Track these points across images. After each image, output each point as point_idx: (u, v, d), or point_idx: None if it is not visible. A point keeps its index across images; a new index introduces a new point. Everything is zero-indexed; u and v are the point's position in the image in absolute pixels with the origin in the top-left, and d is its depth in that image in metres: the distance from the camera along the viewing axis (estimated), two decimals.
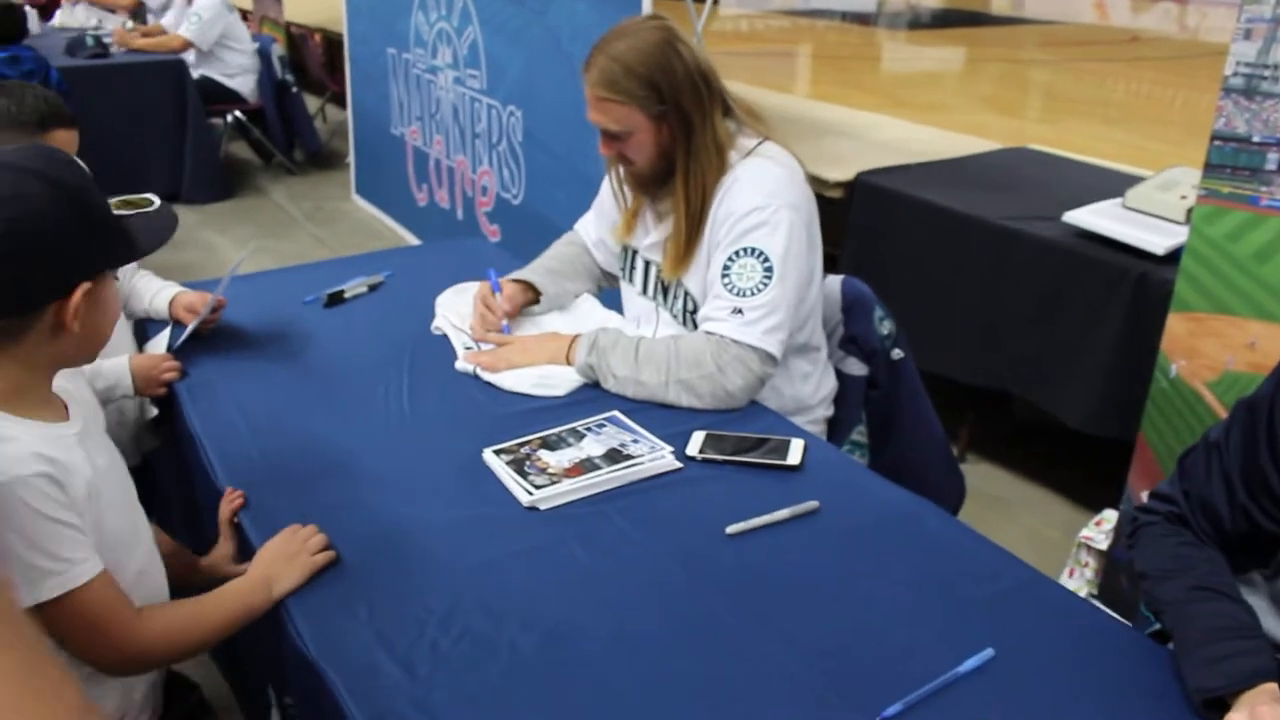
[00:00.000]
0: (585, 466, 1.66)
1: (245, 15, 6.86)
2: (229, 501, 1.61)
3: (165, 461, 2.15)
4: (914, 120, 4.96)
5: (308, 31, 7.54)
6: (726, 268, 1.90)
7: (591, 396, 1.92)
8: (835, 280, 2.18)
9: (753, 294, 1.88)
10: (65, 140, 1.98)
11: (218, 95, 6.23)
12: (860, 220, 3.61)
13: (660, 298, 2.11)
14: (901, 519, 1.59)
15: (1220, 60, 2.15)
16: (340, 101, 6.50)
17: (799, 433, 1.83)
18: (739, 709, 1.22)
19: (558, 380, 1.95)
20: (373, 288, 2.43)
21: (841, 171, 3.65)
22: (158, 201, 1.53)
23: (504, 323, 2.11)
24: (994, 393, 3.31)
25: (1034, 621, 1.36)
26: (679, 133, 1.91)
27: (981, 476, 3.35)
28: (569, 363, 1.97)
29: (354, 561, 1.46)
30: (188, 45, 6.10)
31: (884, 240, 3.55)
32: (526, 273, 2.25)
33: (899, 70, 11.72)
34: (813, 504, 1.59)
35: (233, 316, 2.20)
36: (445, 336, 2.15)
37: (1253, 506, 1.34)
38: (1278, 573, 1.36)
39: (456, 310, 2.21)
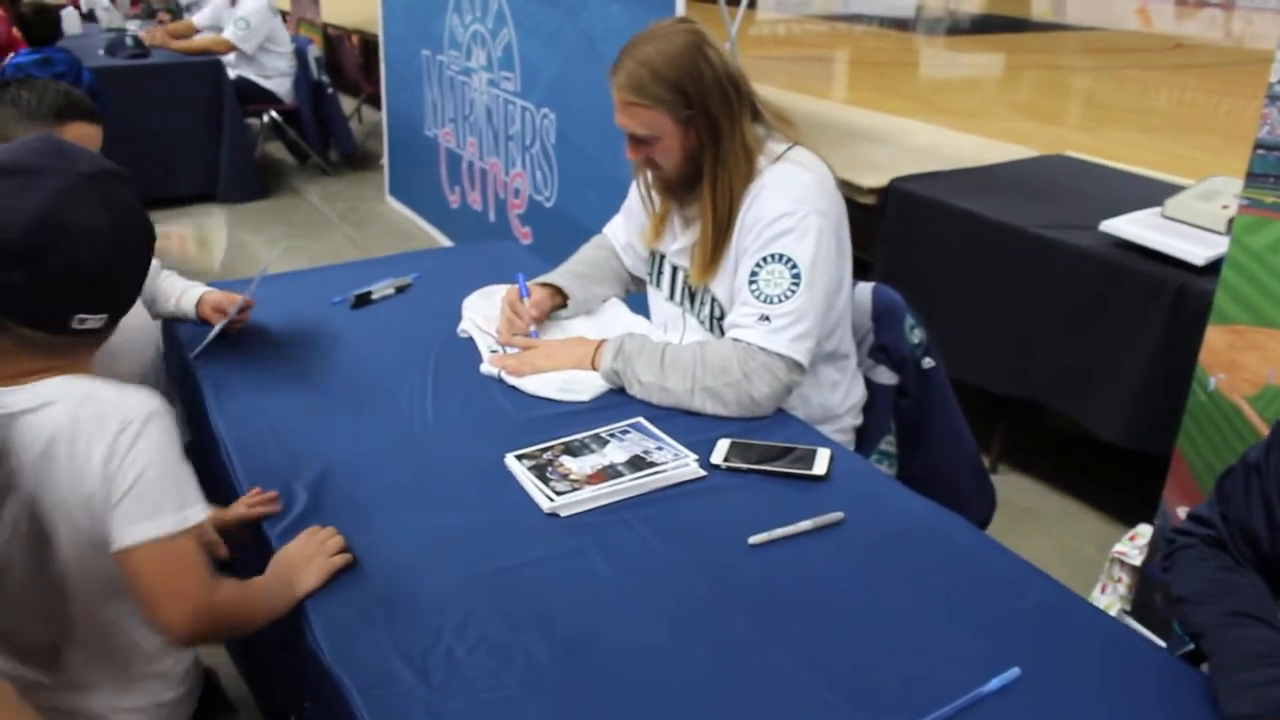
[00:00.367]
0: (608, 473, 1.64)
1: (284, 16, 6.91)
2: (264, 504, 1.59)
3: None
4: (950, 127, 4.92)
5: (344, 33, 7.58)
6: (754, 274, 1.88)
7: (616, 402, 1.91)
8: (865, 288, 2.16)
9: (780, 301, 1.85)
10: (85, 134, 1.99)
11: (254, 95, 6.28)
12: (893, 227, 3.58)
13: (687, 303, 2.09)
14: (927, 532, 1.56)
15: (1265, 67, 2.10)
16: (375, 103, 6.53)
17: (825, 442, 1.80)
18: None
19: (582, 385, 1.93)
20: (400, 289, 2.42)
21: (875, 178, 3.62)
22: None
23: (532, 328, 2.10)
24: (1027, 403, 3.26)
25: (1062, 640, 1.33)
26: (706, 137, 1.88)
27: (1013, 488, 3.30)
28: (594, 368, 1.96)
29: (372, 566, 1.45)
30: (232, 48, 6.15)
31: (917, 248, 3.51)
32: (554, 276, 2.23)
33: (936, 76, 11.64)
34: (837, 515, 1.57)
35: (260, 316, 2.21)
36: (471, 339, 2.15)
37: None
38: None
39: (483, 313, 2.20)
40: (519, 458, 1.69)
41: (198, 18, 6.57)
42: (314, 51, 6.57)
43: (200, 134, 5.95)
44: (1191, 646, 1.49)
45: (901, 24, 15.74)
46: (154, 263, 2.24)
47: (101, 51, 5.91)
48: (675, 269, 2.11)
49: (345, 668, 1.26)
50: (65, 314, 1.28)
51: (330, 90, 6.56)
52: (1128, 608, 2.43)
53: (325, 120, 6.64)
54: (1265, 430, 1.38)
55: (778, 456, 1.72)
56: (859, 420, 2.14)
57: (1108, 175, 3.88)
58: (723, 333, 1.97)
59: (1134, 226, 2.92)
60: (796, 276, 1.85)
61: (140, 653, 1.42)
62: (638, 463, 1.67)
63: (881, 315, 2.14)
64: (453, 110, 5.04)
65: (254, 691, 1.99)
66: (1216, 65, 12.22)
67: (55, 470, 1.26)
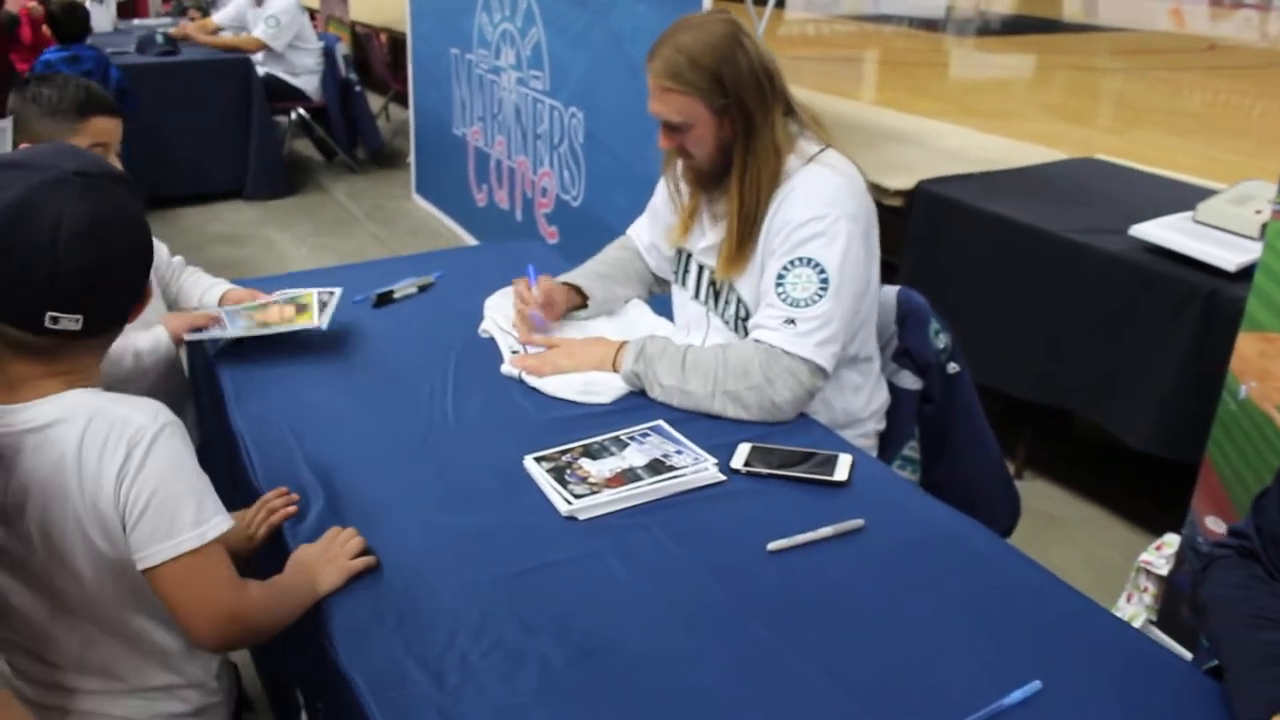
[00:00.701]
0: (627, 477, 1.63)
1: (312, 14, 6.94)
2: (283, 505, 1.59)
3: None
4: (980, 128, 4.88)
5: (372, 31, 7.61)
6: (781, 277, 1.86)
7: (637, 404, 1.89)
8: (890, 291, 2.13)
9: (807, 305, 1.84)
10: (106, 127, 2.00)
11: (282, 93, 6.31)
12: (920, 230, 3.55)
13: (712, 302, 2.08)
14: (949, 540, 1.54)
15: None
16: (403, 101, 6.55)
17: (847, 448, 1.78)
18: None
19: (603, 387, 1.92)
20: (423, 288, 2.42)
21: (903, 180, 3.59)
22: None
23: (537, 312, 2.09)
24: (1054, 409, 3.23)
25: (1084, 652, 1.31)
26: (740, 128, 1.88)
27: (1038, 495, 3.27)
28: (615, 369, 1.95)
29: (388, 567, 1.45)
30: (262, 47, 6.19)
31: (944, 251, 3.48)
32: (575, 276, 2.23)
33: (966, 77, 11.56)
34: (858, 522, 1.55)
35: None
36: (492, 339, 2.14)
37: None
38: None
39: (505, 313, 2.19)
40: (538, 460, 1.68)
41: (219, 16, 6.61)
42: (342, 49, 6.60)
43: (229, 131, 5.98)
44: (1218, 661, 1.47)
45: (931, 24, 15.64)
46: (177, 259, 2.26)
47: (132, 49, 5.95)
48: (701, 267, 2.10)
49: (358, 669, 1.26)
50: (35, 310, 1.23)
51: (358, 88, 6.59)
52: (1153, 618, 2.40)
53: (352, 118, 6.66)
54: None
55: (799, 462, 1.71)
56: (882, 425, 2.12)
57: (1139, 178, 3.83)
58: (747, 333, 1.96)
59: (1164, 231, 2.88)
60: (824, 281, 1.84)
61: (170, 661, 1.42)
62: (657, 466, 1.66)
63: (906, 319, 2.12)
64: (481, 109, 5.05)
65: (268, 688, 1.99)
66: (1252, 67, 12.09)
67: (67, 490, 1.25)
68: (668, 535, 1.53)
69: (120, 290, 1.32)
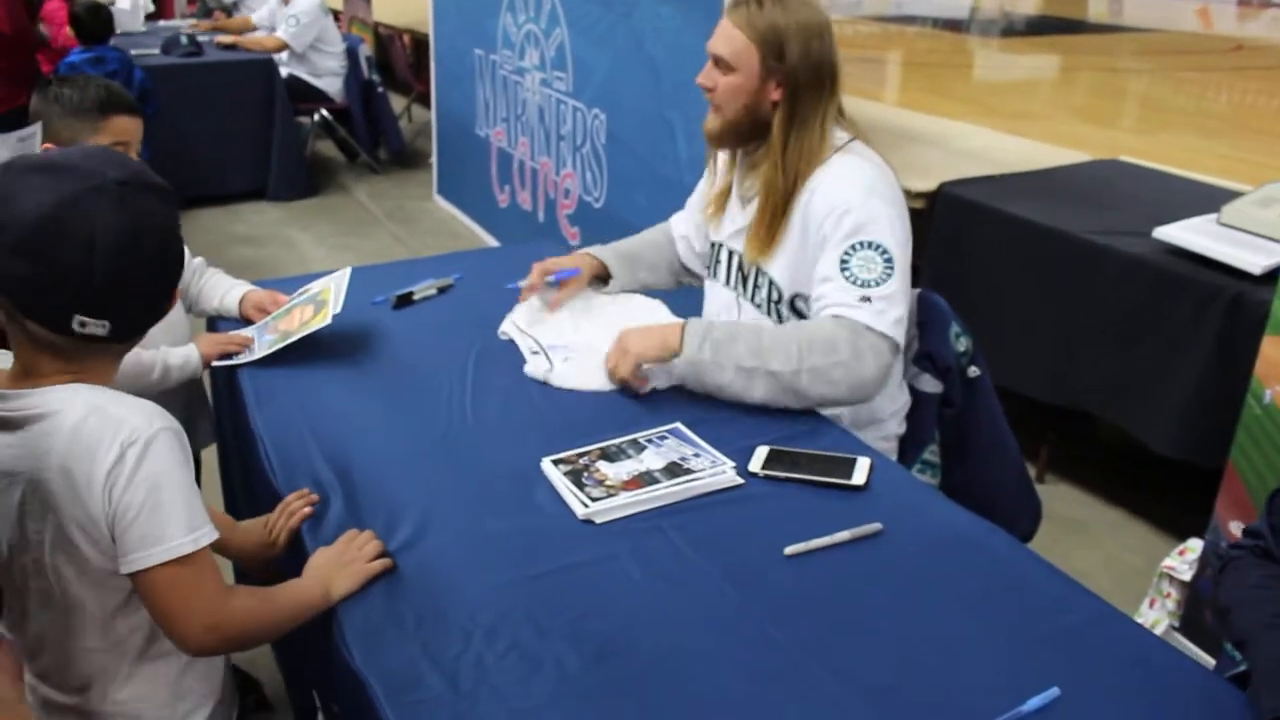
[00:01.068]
0: (644, 480, 1.63)
1: (335, 15, 6.97)
2: (301, 507, 1.59)
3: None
4: (1003, 129, 4.85)
5: (395, 32, 7.63)
6: (845, 262, 1.86)
7: (654, 406, 1.89)
8: (910, 294, 2.12)
9: (878, 284, 1.84)
10: (127, 126, 2.02)
11: (305, 94, 6.34)
12: (942, 232, 3.53)
13: (741, 287, 2.10)
14: (968, 545, 1.53)
15: None
16: (425, 102, 6.57)
17: (866, 451, 1.77)
18: None
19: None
20: (442, 290, 2.42)
21: (925, 181, 3.58)
22: None
23: (566, 269, 2.19)
24: (1077, 412, 3.21)
25: (1104, 659, 1.30)
26: (782, 103, 1.91)
27: (1061, 499, 3.25)
28: (679, 351, 1.89)
29: (404, 569, 1.45)
30: (284, 47, 6.22)
31: (966, 253, 3.46)
32: (604, 251, 2.29)
33: (990, 78, 11.49)
34: (875, 526, 1.54)
35: None
36: (511, 341, 2.14)
37: None
38: None
39: (524, 315, 2.19)
40: (555, 462, 1.68)
41: (256, 15, 6.65)
42: (365, 50, 6.62)
43: (252, 132, 6.02)
44: (1243, 667, 1.45)
45: (955, 25, 15.56)
46: (198, 260, 2.27)
47: (157, 50, 5.99)
48: (730, 253, 2.12)
49: (374, 671, 1.26)
50: (64, 313, 1.24)
51: (380, 89, 6.61)
52: (1176, 623, 2.38)
53: (375, 119, 6.69)
54: None
55: (817, 465, 1.70)
56: (902, 428, 2.11)
57: (1163, 180, 3.80)
58: (780, 317, 1.96)
59: (1189, 234, 2.86)
60: (889, 262, 1.85)
61: (164, 665, 1.42)
62: (674, 469, 1.66)
63: (926, 322, 2.11)
64: (505, 110, 5.06)
65: (288, 688, 2.00)
66: (1279, 68, 11.97)
67: (60, 486, 1.25)
68: (684, 539, 1.52)
69: (150, 300, 1.33)
